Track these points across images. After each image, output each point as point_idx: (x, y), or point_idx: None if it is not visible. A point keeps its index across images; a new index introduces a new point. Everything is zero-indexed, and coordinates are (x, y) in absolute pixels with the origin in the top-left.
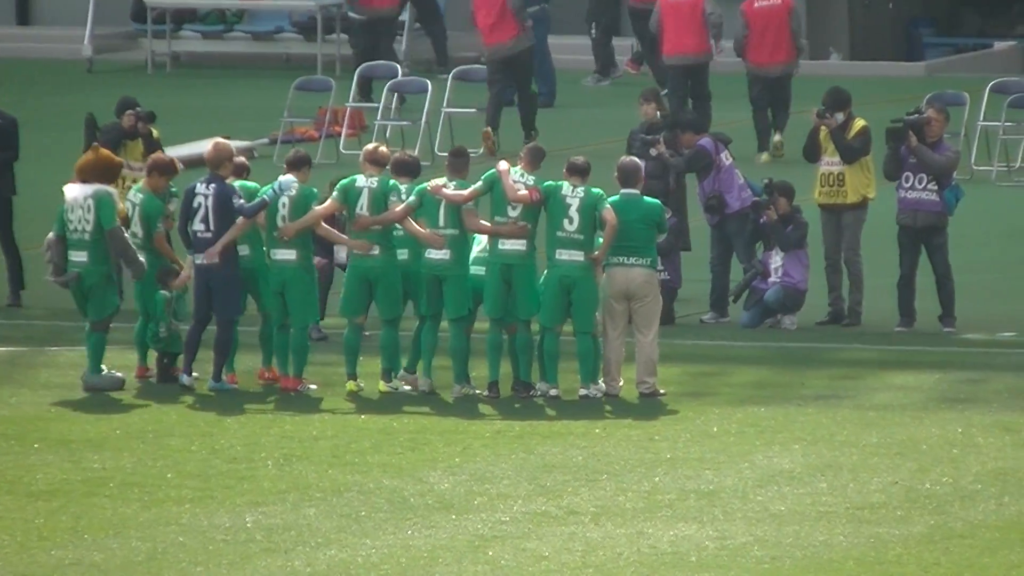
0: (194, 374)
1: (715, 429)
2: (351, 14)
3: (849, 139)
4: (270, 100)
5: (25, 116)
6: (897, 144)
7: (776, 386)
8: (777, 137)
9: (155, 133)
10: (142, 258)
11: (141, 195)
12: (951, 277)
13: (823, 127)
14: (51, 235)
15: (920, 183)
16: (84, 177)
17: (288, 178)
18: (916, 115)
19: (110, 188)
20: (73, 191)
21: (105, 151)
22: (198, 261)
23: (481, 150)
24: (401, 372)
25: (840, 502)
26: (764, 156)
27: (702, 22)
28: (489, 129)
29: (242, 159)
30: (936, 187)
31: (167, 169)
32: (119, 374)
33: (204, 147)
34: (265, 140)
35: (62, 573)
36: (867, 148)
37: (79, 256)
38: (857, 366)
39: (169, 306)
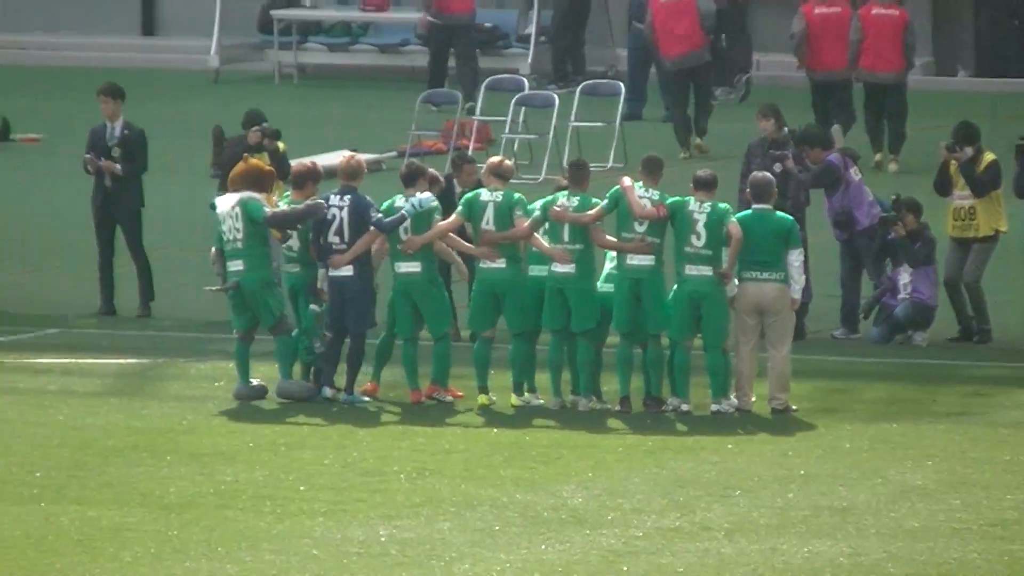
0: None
1: (847, 445)
2: (428, 18)
3: (979, 173)
4: (396, 112)
5: (152, 127)
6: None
7: (907, 402)
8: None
9: (282, 147)
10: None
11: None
12: None
13: (952, 161)
14: (213, 248)
15: None
16: (235, 186)
17: (427, 196)
18: None
19: (256, 194)
20: (223, 202)
21: (255, 160)
22: (332, 273)
23: (608, 165)
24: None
25: (974, 519)
26: (892, 166)
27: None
28: (698, 140)
29: (434, 172)
30: None
31: (318, 177)
32: (309, 384)
33: (329, 159)
34: (393, 153)
35: None
36: (997, 182)
37: (236, 265)
38: (989, 383)
39: (321, 320)
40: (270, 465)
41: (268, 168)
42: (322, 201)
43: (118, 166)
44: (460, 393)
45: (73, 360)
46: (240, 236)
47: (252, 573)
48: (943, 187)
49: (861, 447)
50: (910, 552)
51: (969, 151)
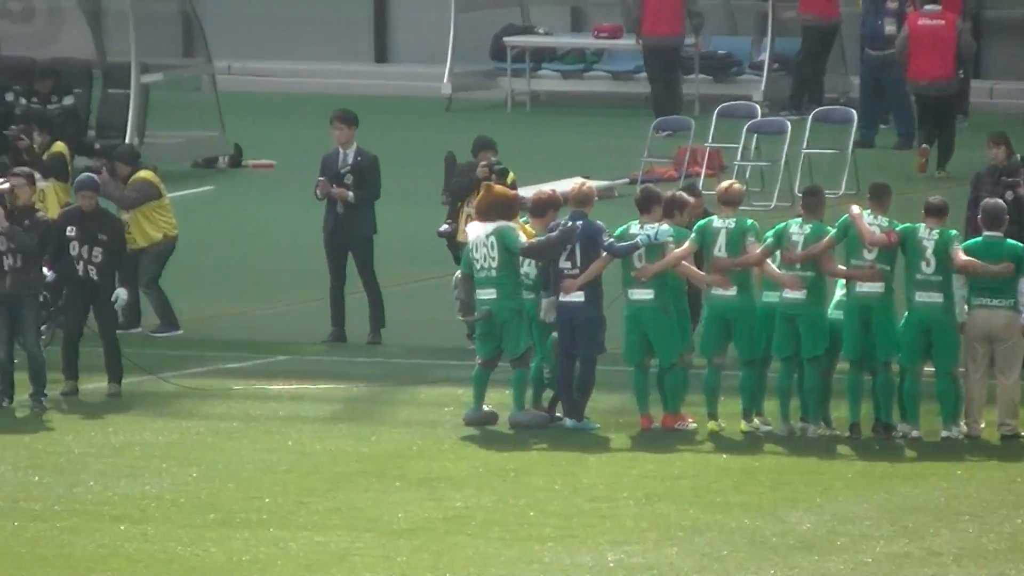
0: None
1: None
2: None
3: None
4: (628, 140)
5: (384, 154)
6: None
7: None
8: None
9: (511, 176)
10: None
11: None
12: None
13: None
14: (458, 273)
15: None
16: (483, 215)
17: (665, 228)
18: None
19: (511, 223)
20: (475, 230)
21: (499, 188)
22: (563, 299)
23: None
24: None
25: None
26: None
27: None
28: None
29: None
30: None
31: (558, 204)
32: (542, 412)
33: (561, 187)
34: (625, 180)
35: None
36: None
37: (487, 293)
38: None
39: (557, 346)
40: (499, 490)
41: (514, 193)
42: (576, 226)
43: (350, 193)
44: (692, 420)
45: (302, 386)
46: (494, 265)
47: None
48: None
49: None
50: None
51: None
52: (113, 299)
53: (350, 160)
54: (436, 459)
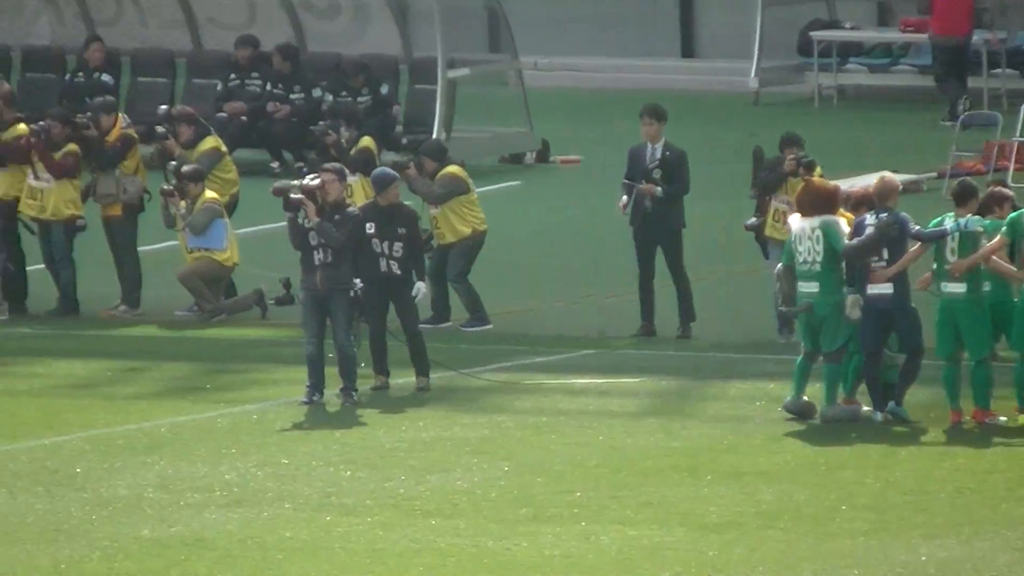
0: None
1: None
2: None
3: None
4: (935, 134)
5: (693, 149)
6: None
7: None
8: None
9: (818, 170)
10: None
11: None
12: None
13: None
14: (780, 266)
15: None
16: (803, 210)
17: (976, 218)
18: None
19: (836, 217)
20: (798, 223)
21: (819, 181)
22: (871, 291)
23: None
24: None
25: None
26: None
27: None
28: None
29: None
30: None
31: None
32: (856, 405)
33: (867, 182)
34: (933, 174)
35: None
36: None
37: (809, 287)
38: None
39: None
40: (810, 485)
41: (835, 186)
42: (894, 219)
43: (659, 188)
44: (1003, 415)
45: (612, 380)
46: (818, 259)
47: None
48: None
49: None
50: None
51: None
52: (414, 293)
53: (658, 155)
54: (747, 453)
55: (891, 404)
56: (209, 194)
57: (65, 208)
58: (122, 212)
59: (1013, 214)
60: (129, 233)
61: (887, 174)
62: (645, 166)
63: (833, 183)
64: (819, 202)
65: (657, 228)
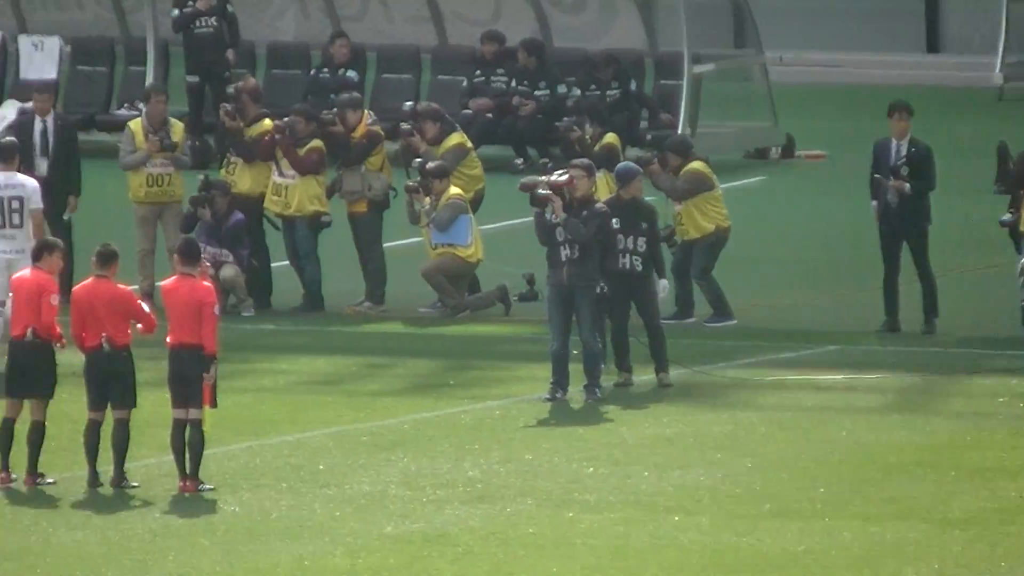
0: None
1: None
2: None
3: None
4: None
5: (938, 144)
6: None
7: None
8: None
9: None
10: None
11: None
12: None
13: None
14: (1023, 260)
15: None
16: None
17: None
18: None
19: None
20: None
21: None
22: None
23: None
24: None
25: None
26: None
27: None
28: None
29: None
30: None
31: None
32: None
33: None
34: None
35: None
36: None
37: None
38: None
39: None
40: None
41: None
42: None
43: (907, 184)
44: None
45: (855, 376)
46: None
47: None
48: None
49: None
50: None
51: None
52: (659, 290)
53: (903, 151)
54: (990, 449)
55: None
56: (454, 190)
57: (309, 204)
58: (367, 208)
59: None
60: (374, 229)
61: None
62: (892, 162)
63: None
64: None
65: (904, 224)
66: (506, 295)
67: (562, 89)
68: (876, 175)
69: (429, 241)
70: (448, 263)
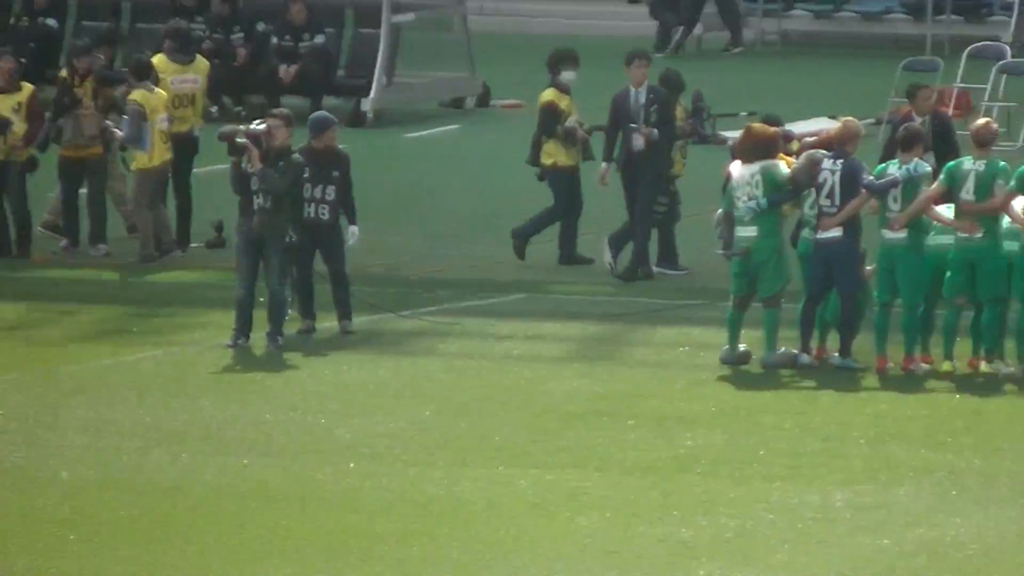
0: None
1: None
2: None
3: None
4: (876, 81)
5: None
6: None
7: None
8: None
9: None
10: None
11: None
12: None
13: None
14: (719, 211)
15: None
16: (745, 157)
17: (923, 164)
18: None
19: (776, 161)
20: (738, 169)
21: (759, 127)
22: (820, 236)
23: None
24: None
25: None
26: None
27: None
28: None
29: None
30: None
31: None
32: (794, 351)
33: (808, 127)
34: (871, 120)
35: (648, 549)
36: None
37: (748, 231)
38: None
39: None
40: (729, 430)
41: (773, 131)
42: (821, 153)
43: (655, 131)
44: (931, 360)
45: (539, 324)
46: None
47: (707, 537)
48: None
49: None
50: None
51: None
52: (350, 237)
53: (642, 99)
54: (668, 399)
55: (836, 358)
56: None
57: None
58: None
59: (951, 163)
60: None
61: (850, 119)
62: (635, 110)
63: (772, 128)
64: (759, 148)
65: (643, 171)
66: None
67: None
68: (631, 124)
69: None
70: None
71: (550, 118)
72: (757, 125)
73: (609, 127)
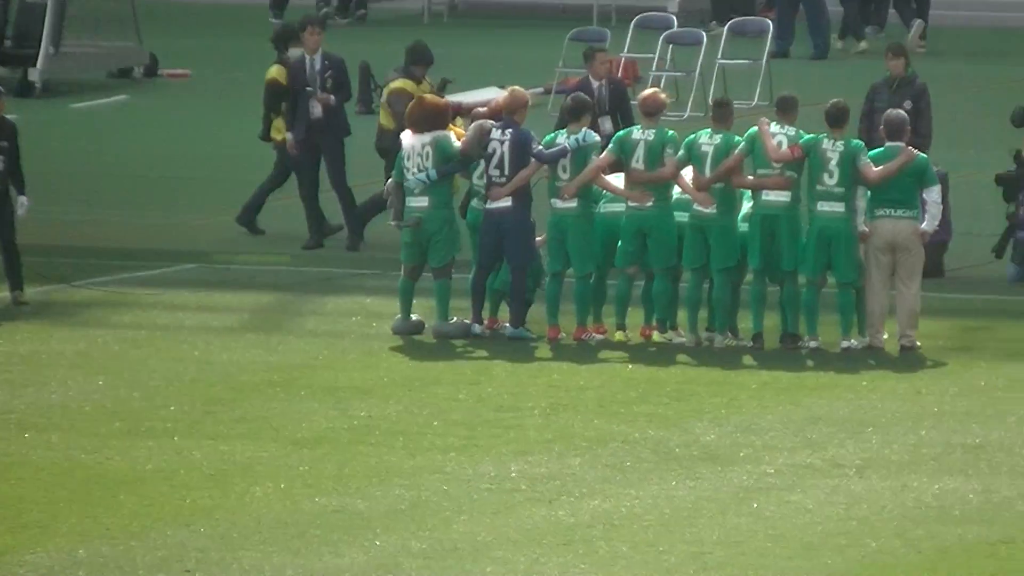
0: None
1: (982, 383)
2: None
3: None
4: (545, 50)
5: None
6: None
7: None
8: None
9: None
10: None
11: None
12: None
13: None
14: (391, 182)
15: None
16: (414, 127)
17: (592, 133)
18: None
19: (447, 132)
20: (408, 139)
21: (431, 98)
22: (490, 206)
23: (754, 102)
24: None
25: None
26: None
27: None
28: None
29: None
30: None
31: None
32: (466, 321)
33: (476, 97)
34: (540, 90)
35: (325, 520)
36: None
37: (419, 202)
38: None
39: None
40: (404, 400)
41: (444, 102)
42: (490, 123)
43: (332, 97)
44: (602, 331)
45: (211, 295)
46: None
47: (382, 508)
48: None
49: (996, 385)
50: None
51: None
52: (19, 208)
53: (318, 66)
54: (342, 369)
55: (509, 328)
56: None
57: None
58: None
59: (621, 132)
60: None
61: (517, 88)
62: (311, 76)
63: (444, 99)
64: (430, 118)
65: (324, 137)
66: None
67: None
68: (307, 87)
69: None
70: None
71: (274, 95)
72: (429, 96)
73: (289, 95)
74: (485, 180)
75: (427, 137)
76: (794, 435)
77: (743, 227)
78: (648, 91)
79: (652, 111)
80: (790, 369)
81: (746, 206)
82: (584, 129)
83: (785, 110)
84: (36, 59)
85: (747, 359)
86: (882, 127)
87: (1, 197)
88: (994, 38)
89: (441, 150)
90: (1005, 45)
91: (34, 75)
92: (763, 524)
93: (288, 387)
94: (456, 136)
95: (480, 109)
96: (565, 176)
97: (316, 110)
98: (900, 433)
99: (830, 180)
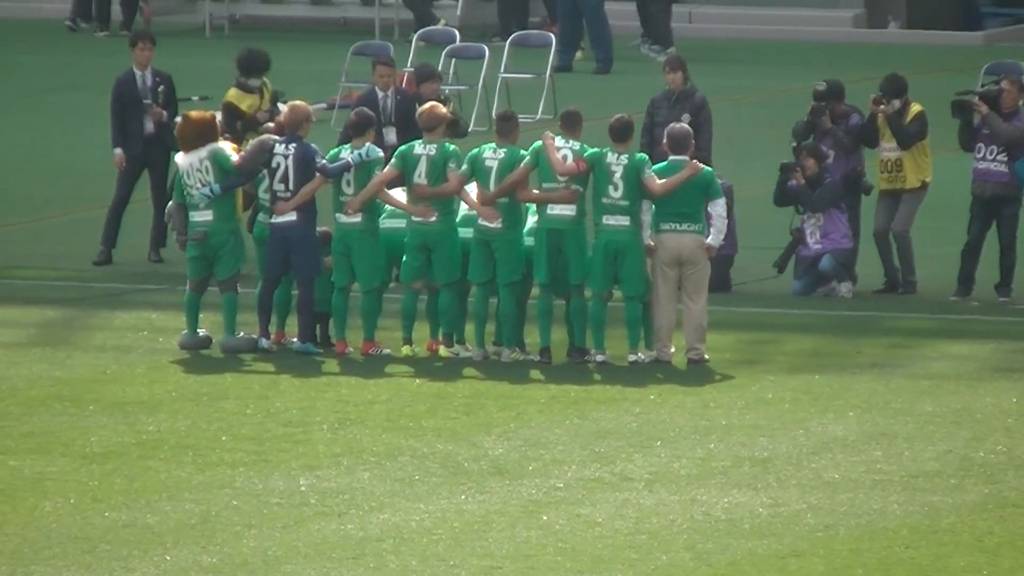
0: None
1: (770, 396)
2: None
3: (906, 125)
4: (328, 64)
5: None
6: (961, 117)
7: (831, 354)
8: None
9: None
10: None
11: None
12: (1014, 248)
13: (880, 113)
14: (171, 204)
15: (991, 154)
16: (188, 145)
17: (375, 148)
18: (991, 86)
19: (222, 143)
20: (184, 158)
21: (196, 114)
22: (275, 220)
23: (538, 116)
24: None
25: (895, 470)
26: None
27: None
28: None
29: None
30: (1006, 158)
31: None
32: (253, 335)
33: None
34: (323, 104)
35: (116, 535)
36: (924, 132)
37: (203, 216)
38: (913, 335)
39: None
40: (192, 415)
41: (211, 115)
42: (273, 138)
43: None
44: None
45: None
46: (212, 188)
47: (172, 523)
48: (871, 139)
49: (783, 398)
50: (830, 503)
51: (896, 104)
52: None
53: (149, 81)
54: (130, 384)
55: (296, 343)
56: None
57: None
58: None
59: (403, 147)
60: None
61: (299, 102)
62: (143, 91)
63: (210, 112)
64: (200, 134)
65: (154, 151)
66: None
67: None
68: (145, 101)
69: None
70: None
71: (229, 116)
72: (194, 112)
73: (115, 111)
74: (270, 195)
75: (203, 152)
76: (583, 449)
77: (529, 241)
78: (426, 105)
79: (431, 126)
80: (578, 383)
81: (531, 220)
82: (367, 144)
83: (570, 124)
84: None
85: (535, 373)
86: (665, 141)
87: None
88: (772, 50)
89: (218, 163)
90: (786, 57)
91: None
92: (553, 538)
93: (76, 402)
94: (232, 149)
95: (269, 124)
96: (349, 191)
97: (148, 125)
98: (688, 447)
99: (615, 193)
